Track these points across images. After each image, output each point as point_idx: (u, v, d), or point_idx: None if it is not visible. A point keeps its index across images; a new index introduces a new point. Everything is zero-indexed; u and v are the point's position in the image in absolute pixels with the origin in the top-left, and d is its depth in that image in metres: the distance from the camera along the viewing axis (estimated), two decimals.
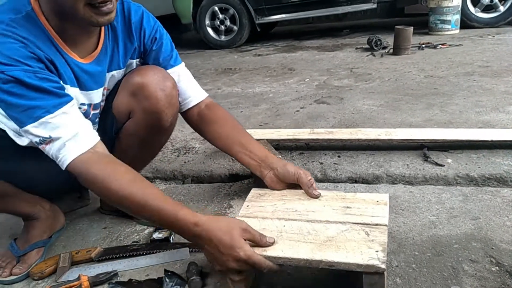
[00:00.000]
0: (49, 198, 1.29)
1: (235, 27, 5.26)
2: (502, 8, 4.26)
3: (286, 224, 0.99)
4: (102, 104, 1.20)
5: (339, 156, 1.67)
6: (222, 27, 5.31)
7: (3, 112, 0.98)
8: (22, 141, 1.04)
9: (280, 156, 1.39)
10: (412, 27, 3.50)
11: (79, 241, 1.33)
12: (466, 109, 2.04)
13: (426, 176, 1.45)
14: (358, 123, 2.01)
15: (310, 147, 1.78)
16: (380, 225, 0.95)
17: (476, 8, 4.35)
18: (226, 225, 0.91)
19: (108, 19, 0.96)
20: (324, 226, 0.97)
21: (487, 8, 4.34)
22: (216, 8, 5.24)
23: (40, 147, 0.94)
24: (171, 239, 1.25)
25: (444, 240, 1.12)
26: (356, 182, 1.51)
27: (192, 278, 1.02)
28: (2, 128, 1.04)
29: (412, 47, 3.61)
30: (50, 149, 0.94)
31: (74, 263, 1.18)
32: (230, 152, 1.24)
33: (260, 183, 1.20)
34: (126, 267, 1.15)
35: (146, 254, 1.18)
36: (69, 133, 0.93)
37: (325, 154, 1.70)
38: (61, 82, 0.99)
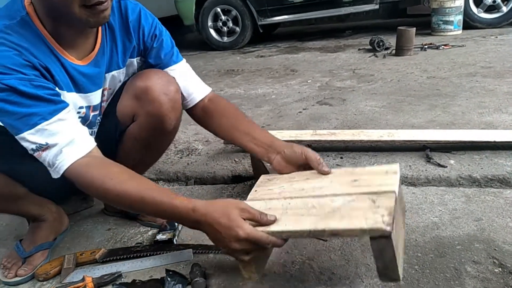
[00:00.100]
0: (54, 200, 1.30)
1: (237, 29, 5.28)
2: (505, 9, 4.24)
3: (292, 202, 0.97)
4: (103, 105, 1.20)
5: (341, 158, 1.67)
6: (225, 28, 5.32)
7: None
8: None
9: None
10: (415, 28, 3.50)
11: (83, 243, 1.34)
12: (469, 110, 2.04)
13: (428, 177, 1.45)
14: (360, 124, 2.02)
15: (313, 148, 1.78)
16: (388, 192, 0.89)
17: (479, 9, 4.34)
18: (223, 206, 0.91)
19: (103, 18, 0.95)
20: (329, 199, 0.93)
21: (490, 9, 4.33)
22: (219, 10, 5.25)
23: (36, 154, 0.94)
24: (174, 240, 1.25)
25: (446, 242, 1.12)
26: None
27: (196, 279, 1.03)
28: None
29: (414, 48, 3.61)
30: (46, 156, 0.94)
31: (78, 265, 1.19)
32: (236, 142, 1.24)
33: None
34: (130, 268, 1.15)
35: (150, 255, 1.19)
36: (66, 139, 0.93)
37: (328, 156, 1.70)
38: (57, 88, 0.99)
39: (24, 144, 0.94)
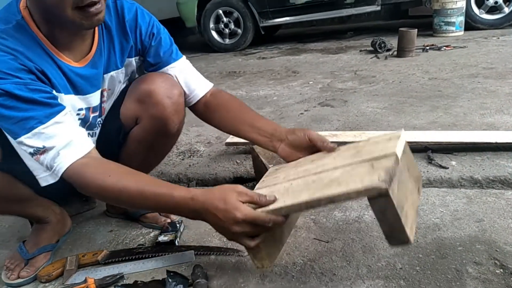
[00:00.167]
0: (57, 202, 1.31)
1: (239, 30, 5.29)
2: (506, 10, 4.25)
3: (294, 183, 0.96)
4: (104, 106, 1.20)
5: None
6: (227, 30, 5.34)
7: None
8: None
9: None
10: (416, 29, 3.50)
11: (85, 244, 1.34)
12: (471, 111, 2.04)
13: (430, 178, 1.45)
14: (362, 125, 2.02)
15: None
16: (388, 155, 0.85)
17: (481, 10, 4.34)
18: (219, 192, 0.91)
19: (97, 20, 0.94)
20: (330, 173, 0.90)
21: (492, 10, 4.33)
22: (220, 12, 5.27)
23: (34, 158, 0.94)
24: (176, 242, 1.26)
25: (448, 243, 1.12)
26: None
27: (198, 280, 1.03)
28: None
29: (416, 49, 3.61)
30: (44, 159, 0.94)
31: (80, 266, 1.20)
32: (240, 134, 1.22)
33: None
34: (132, 270, 1.16)
35: (152, 257, 1.20)
36: (63, 142, 0.93)
37: None
38: (54, 91, 0.99)
39: (23, 148, 0.94)
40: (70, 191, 0.99)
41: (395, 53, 3.68)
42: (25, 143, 0.93)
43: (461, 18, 4.23)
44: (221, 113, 1.23)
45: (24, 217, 1.37)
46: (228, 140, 1.82)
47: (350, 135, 1.72)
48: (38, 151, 0.93)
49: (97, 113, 1.18)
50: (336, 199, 0.80)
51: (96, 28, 1.08)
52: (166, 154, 1.42)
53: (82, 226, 1.46)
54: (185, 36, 7.14)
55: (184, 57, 1.26)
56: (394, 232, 0.77)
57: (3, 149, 0.97)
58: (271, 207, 0.89)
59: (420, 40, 3.92)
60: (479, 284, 0.96)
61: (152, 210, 1.31)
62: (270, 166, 1.24)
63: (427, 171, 1.48)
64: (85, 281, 1.09)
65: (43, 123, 0.92)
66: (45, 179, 0.97)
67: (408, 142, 1.59)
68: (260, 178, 1.20)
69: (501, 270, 1.00)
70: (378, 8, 4.73)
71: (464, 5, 4.19)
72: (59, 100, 0.99)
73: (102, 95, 1.17)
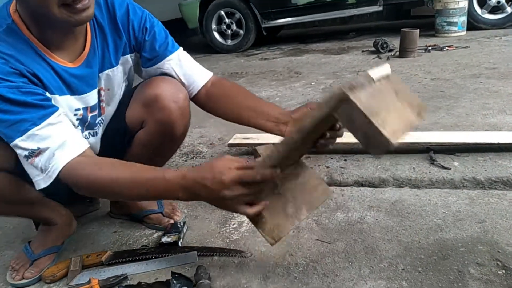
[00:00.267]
0: (62, 203, 1.31)
1: (241, 31, 5.30)
2: (509, 9, 4.24)
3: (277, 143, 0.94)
4: (103, 105, 1.20)
5: (345, 160, 1.68)
6: (229, 31, 5.35)
7: None
8: None
9: None
10: (418, 30, 3.50)
11: (89, 245, 1.35)
12: (473, 111, 2.04)
13: (432, 179, 1.45)
14: None
15: (317, 151, 1.79)
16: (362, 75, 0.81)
17: (483, 10, 4.33)
18: (207, 164, 0.91)
19: (86, 16, 0.93)
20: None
21: (494, 9, 4.32)
22: (223, 13, 5.28)
23: (29, 161, 0.95)
24: (179, 243, 1.26)
25: (450, 244, 1.13)
26: (362, 185, 1.52)
27: (201, 281, 1.04)
28: None
29: (418, 49, 3.61)
30: (39, 161, 0.94)
31: (84, 267, 1.20)
32: (245, 121, 1.20)
33: None
34: (135, 271, 1.17)
35: (155, 258, 1.20)
36: (57, 143, 0.94)
37: (332, 158, 1.71)
38: (47, 93, 0.99)
39: (18, 151, 0.94)
40: (75, 193, 0.99)
41: (397, 53, 3.68)
42: (20, 146, 0.93)
43: (463, 18, 4.23)
44: (224, 101, 1.22)
45: (32, 219, 1.38)
46: (231, 142, 1.82)
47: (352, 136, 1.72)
48: (33, 153, 0.93)
49: (95, 112, 1.17)
50: (308, 126, 0.79)
51: (89, 27, 1.07)
52: (170, 157, 1.42)
53: (86, 227, 1.47)
54: (188, 37, 7.15)
55: (181, 48, 1.24)
56: (370, 138, 0.72)
57: (13, 152, 0.98)
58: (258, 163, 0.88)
59: (422, 40, 3.91)
60: (481, 285, 0.97)
61: (148, 198, 1.26)
62: None
63: (429, 172, 1.49)
64: (89, 281, 1.10)
65: (37, 125, 0.93)
66: (37, 183, 0.97)
67: (411, 143, 1.62)
68: None
69: (503, 271, 1.00)
70: (380, 8, 4.73)
71: (466, 5, 4.19)
72: (52, 101, 0.99)
73: (99, 94, 1.16)
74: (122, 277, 1.12)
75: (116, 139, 1.26)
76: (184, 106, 1.19)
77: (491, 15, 4.36)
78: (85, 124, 1.14)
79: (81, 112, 1.11)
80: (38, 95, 0.95)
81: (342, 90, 0.71)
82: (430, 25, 4.56)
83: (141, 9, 1.17)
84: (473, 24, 4.34)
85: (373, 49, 4.01)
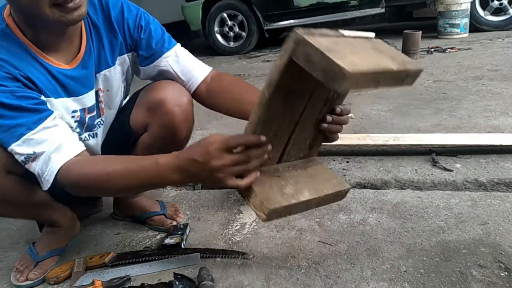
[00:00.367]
0: (65, 204, 1.32)
1: (243, 33, 5.31)
2: (511, 11, 4.23)
3: None
4: (102, 106, 1.20)
5: (347, 162, 1.68)
6: (231, 33, 5.36)
7: None
8: None
9: None
10: (421, 31, 3.50)
11: (92, 247, 1.36)
12: (475, 113, 2.04)
13: (434, 181, 1.46)
14: (366, 128, 2.02)
15: (319, 152, 1.79)
16: None
17: (485, 11, 4.33)
18: (197, 141, 0.89)
19: (78, 15, 0.92)
20: None
21: (497, 11, 4.32)
22: (225, 15, 5.29)
23: (26, 166, 0.95)
24: (182, 244, 1.27)
25: (452, 245, 1.13)
26: (364, 187, 1.52)
27: (203, 283, 1.04)
28: None
29: (421, 51, 3.61)
30: (36, 166, 0.94)
31: (88, 268, 1.21)
32: (247, 116, 1.14)
33: None
34: (138, 272, 1.17)
35: (158, 259, 1.21)
36: (53, 146, 0.94)
37: (334, 160, 1.71)
38: (43, 96, 0.98)
39: (16, 157, 0.95)
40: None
41: None
42: (16, 151, 0.94)
43: (466, 20, 4.23)
44: (224, 96, 1.20)
45: (38, 221, 1.39)
46: None
47: (354, 138, 1.73)
48: (30, 158, 0.94)
49: (93, 113, 1.16)
50: (274, 77, 0.79)
51: (84, 28, 1.07)
52: None
53: (89, 229, 1.48)
54: (190, 39, 7.17)
55: (178, 44, 1.22)
56: (327, 71, 0.70)
57: None
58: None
59: (424, 42, 3.91)
60: (483, 286, 0.97)
61: (142, 186, 1.12)
62: None
63: (432, 174, 1.49)
64: (93, 283, 1.10)
65: (32, 129, 0.93)
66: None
67: (413, 145, 1.62)
68: None
69: (506, 273, 1.00)
70: (383, 10, 4.73)
71: (469, 7, 4.19)
72: (48, 104, 0.99)
73: (98, 95, 1.16)
74: (125, 279, 1.13)
75: (120, 143, 1.27)
76: (188, 110, 1.19)
77: (493, 17, 4.36)
78: (83, 125, 1.15)
79: (78, 113, 1.11)
80: (33, 99, 0.95)
81: (297, 32, 0.72)
82: (432, 27, 4.55)
83: (136, 8, 1.16)
84: (476, 26, 4.34)
85: None
